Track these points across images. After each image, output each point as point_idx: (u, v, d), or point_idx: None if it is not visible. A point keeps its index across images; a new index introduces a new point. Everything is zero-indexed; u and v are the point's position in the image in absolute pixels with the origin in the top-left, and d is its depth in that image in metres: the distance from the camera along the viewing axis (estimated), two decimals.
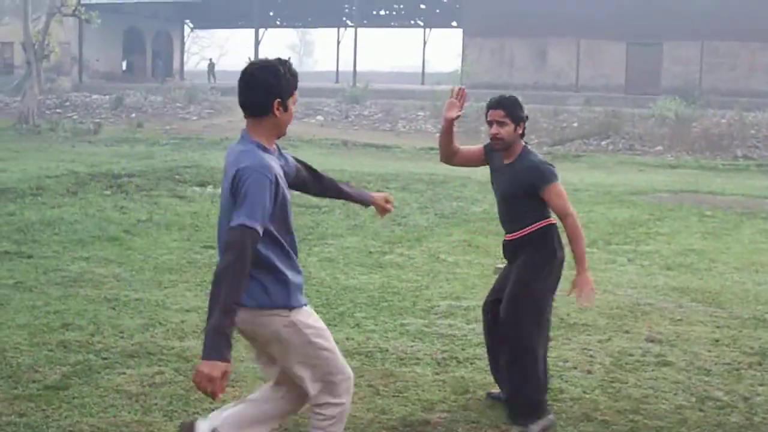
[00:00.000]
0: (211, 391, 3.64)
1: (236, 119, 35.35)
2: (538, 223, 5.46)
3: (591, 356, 6.81)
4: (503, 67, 47.03)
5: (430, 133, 33.13)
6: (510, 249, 5.58)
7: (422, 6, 56.39)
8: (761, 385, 6.31)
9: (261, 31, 53.18)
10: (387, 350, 6.82)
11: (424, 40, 63.09)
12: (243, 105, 4.02)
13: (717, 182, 20.33)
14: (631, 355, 6.89)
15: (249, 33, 55.69)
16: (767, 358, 6.91)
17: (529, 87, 43.70)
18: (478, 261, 10.44)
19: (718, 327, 7.77)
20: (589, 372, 6.45)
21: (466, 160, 5.76)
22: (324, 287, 8.88)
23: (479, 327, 7.13)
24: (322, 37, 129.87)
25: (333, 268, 9.84)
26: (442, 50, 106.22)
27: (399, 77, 70.41)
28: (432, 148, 28.84)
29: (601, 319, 7.89)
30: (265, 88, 3.94)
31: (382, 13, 60.92)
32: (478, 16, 46.82)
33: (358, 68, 50.82)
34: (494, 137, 5.44)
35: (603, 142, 29.27)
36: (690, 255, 11.11)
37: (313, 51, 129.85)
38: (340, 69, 60.05)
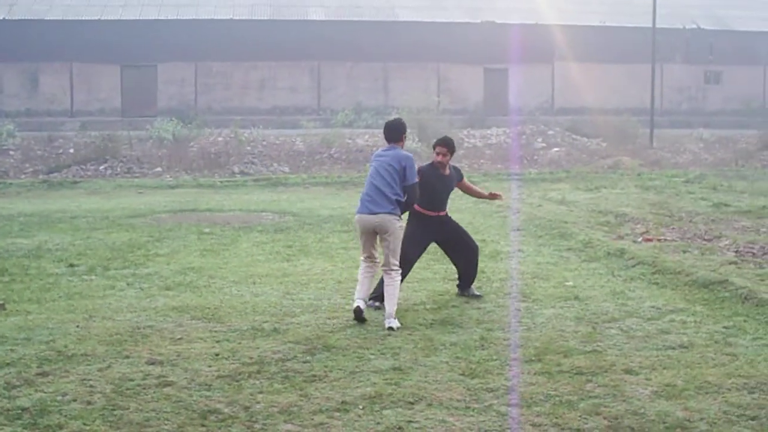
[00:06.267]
0: None
1: None
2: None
3: (91, 386, 6.57)
4: None
5: None
6: (441, 220, 9.78)
7: None
8: (260, 392, 6.49)
9: None
10: None
11: None
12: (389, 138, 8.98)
13: (216, 199, 20.84)
14: (132, 380, 6.75)
15: None
16: (265, 365, 7.13)
17: (21, 114, 41.95)
18: None
19: (218, 341, 7.89)
20: (89, 403, 6.21)
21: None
22: None
23: None
24: None
25: None
26: None
27: None
28: None
29: (101, 346, 7.67)
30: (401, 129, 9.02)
31: None
32: None
33: None
34: (440, 162, 9.63)
35: (101, 167, 28.80)
36: (189, 273, 11.21)
37: None
38: None
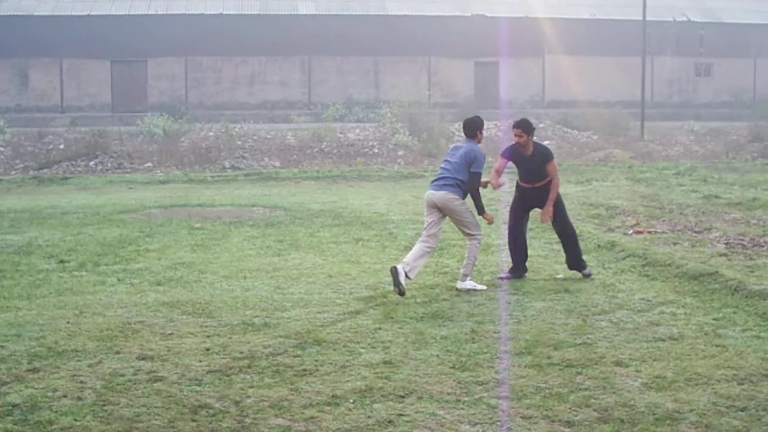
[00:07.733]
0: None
1: None
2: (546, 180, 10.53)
3: (81, 382, 6.56)
4: None
5: None
6: (536, 191, 10.57)
7: None
8: (251, 387, 6.48)
9: None
10: None
11: None
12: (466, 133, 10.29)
13: (206, 194, 20.83)
14: (122, 375, 6.74)
15: None
16: (256, 360, 7.13)
17: (11, 110, 41.73)
18: None
19: (208, 336, 7.88)
20: (80, 398, 6.20)
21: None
22: None
23: None
24: None
25: None
26: None
27: None
28: None
29: (91, 342, 7.66)
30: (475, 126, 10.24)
31: None
32: None
33: None
34: (518, 144, 10.44)
35: (91, 163, 28.79)
36: (180, 268, 11.20)
37: None
38: None
